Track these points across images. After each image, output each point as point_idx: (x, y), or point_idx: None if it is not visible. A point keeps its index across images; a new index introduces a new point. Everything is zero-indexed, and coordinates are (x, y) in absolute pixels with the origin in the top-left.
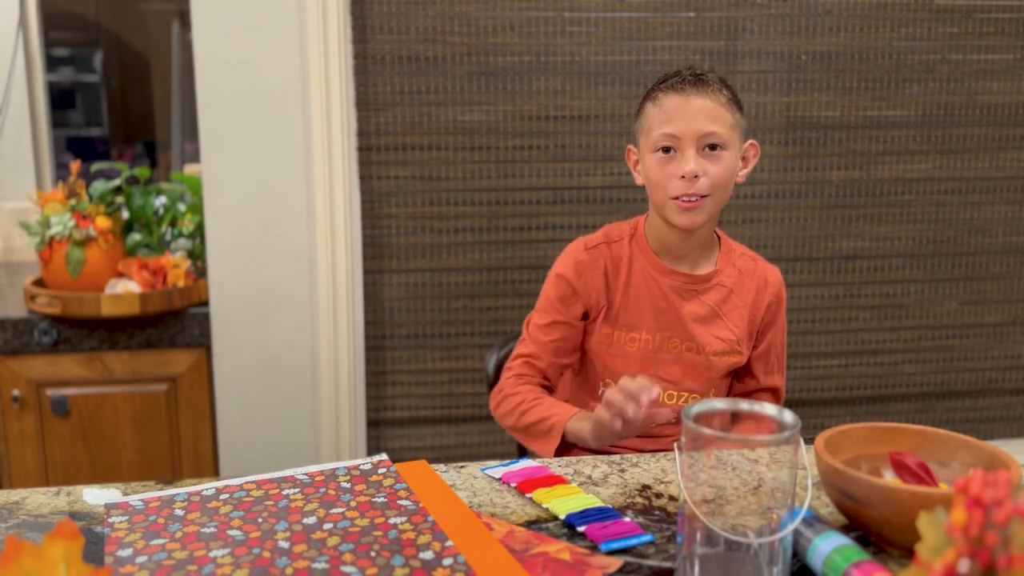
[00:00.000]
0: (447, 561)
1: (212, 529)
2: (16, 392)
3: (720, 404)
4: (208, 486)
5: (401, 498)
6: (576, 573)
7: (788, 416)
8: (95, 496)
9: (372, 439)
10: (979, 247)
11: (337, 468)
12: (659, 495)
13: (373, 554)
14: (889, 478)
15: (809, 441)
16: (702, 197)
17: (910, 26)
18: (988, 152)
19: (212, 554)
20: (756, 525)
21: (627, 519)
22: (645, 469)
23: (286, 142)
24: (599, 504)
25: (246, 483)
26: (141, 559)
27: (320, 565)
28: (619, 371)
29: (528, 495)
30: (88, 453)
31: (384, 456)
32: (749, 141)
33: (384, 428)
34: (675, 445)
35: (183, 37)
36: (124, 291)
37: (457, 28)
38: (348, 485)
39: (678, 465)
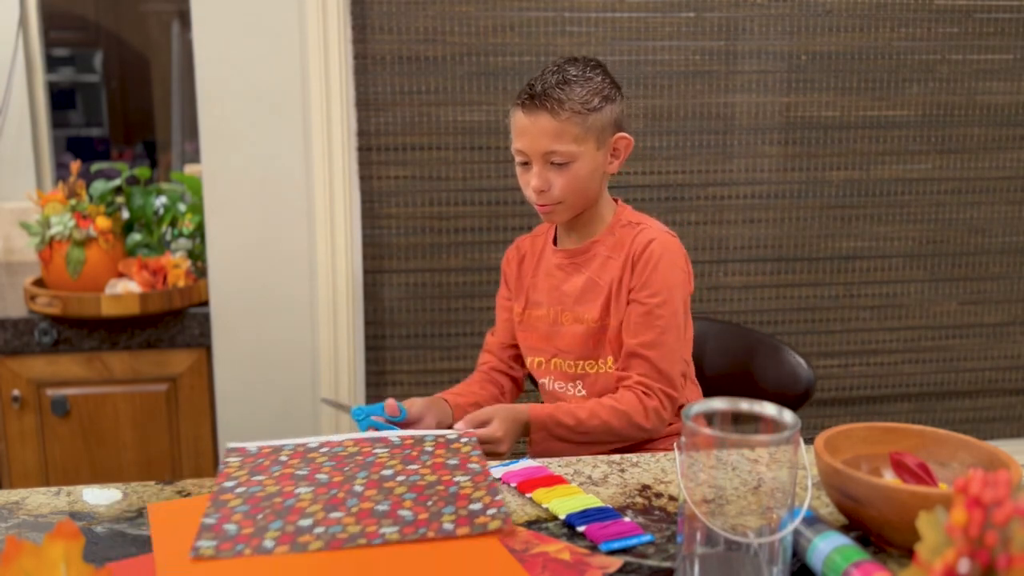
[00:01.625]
0: (491, 511)
1: (304, 472)
2: (16, 392)
3: (720, 404)
4: (314, 439)
5: (472, 462)
6: (576, 573)
7: (788, 416)
8: (95, 496)
9: None
10: (979, 247)
11: (427, 435)
12: (659, 495)
13: (430, 503)
14: (889, 478)
15: (809, 441)
16: (556, 203)
17: (910, 26)
18: (988, 152)
19: (297, 491)
20: (756, 525)
21: (627, 519)
22: (645, 469)
23: (286, 142)
24: (599, 504)
25: (346, 440)
26: (240, 489)
27: (382, 507)
28: (529, 344)
29: (528, 495)
30: (88, 453)
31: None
32: (619, 134)
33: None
34: (675, 445)
35: (183, 37)
36: (124, 291)
37: (457, 28)
38: (431, 449)
39: (678, 465)
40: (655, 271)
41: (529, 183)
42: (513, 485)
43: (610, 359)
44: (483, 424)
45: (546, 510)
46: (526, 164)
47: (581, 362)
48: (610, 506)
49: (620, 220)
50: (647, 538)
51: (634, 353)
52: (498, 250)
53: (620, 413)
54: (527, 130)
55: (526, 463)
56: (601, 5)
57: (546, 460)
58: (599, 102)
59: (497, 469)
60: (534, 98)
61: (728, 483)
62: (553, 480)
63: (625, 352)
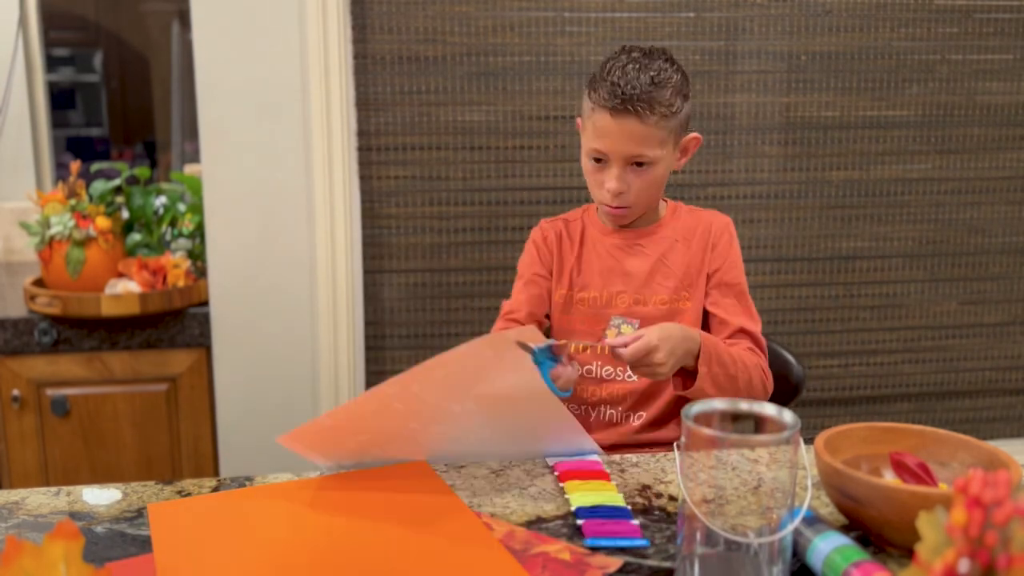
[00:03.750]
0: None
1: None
2: (16, 392)
3: (720, 404)
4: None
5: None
6: (576, 573)
7: (788, 416)
8: (95, 496)
9: None
10: (979, 247)
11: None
12: (659, 495)
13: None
14: (889, 478)
15: (809, 441)
16: (630, 205)
17: (910, 26)
18: (988, 152)
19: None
20: (756, 525)
21: (636, 522)
22: (645, 469)
23: (286, 142)
24: (619, 504)
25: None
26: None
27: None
28: (572, 329)
29: (561, 484)
30: (88, 453)
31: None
32: (691, 135)
33: None
34: (675, 445)
35: (183, 37)
36: (124, 291)
37: (457, 28)
38: None
39: (678, 465)
40: (736, 251)
41: (603, 183)
42: (555, 474)
43: None
44: (649, 352)
45: (546, 510)
46: (599, 161)
47: None
48: (628, 507)
49: (679, 208)
50: (641, 543)
51: (741, 330)
52: (498, 250)
53: (756, 365)
54: (611, 133)
55: (593, 458)
56: (601, 5)
57: (602, 456)
58: (680, 103)
59: (553, 459)
60: (625, 102)
61: (728, 483)
62: (597, 475)
63: (732, 329)
